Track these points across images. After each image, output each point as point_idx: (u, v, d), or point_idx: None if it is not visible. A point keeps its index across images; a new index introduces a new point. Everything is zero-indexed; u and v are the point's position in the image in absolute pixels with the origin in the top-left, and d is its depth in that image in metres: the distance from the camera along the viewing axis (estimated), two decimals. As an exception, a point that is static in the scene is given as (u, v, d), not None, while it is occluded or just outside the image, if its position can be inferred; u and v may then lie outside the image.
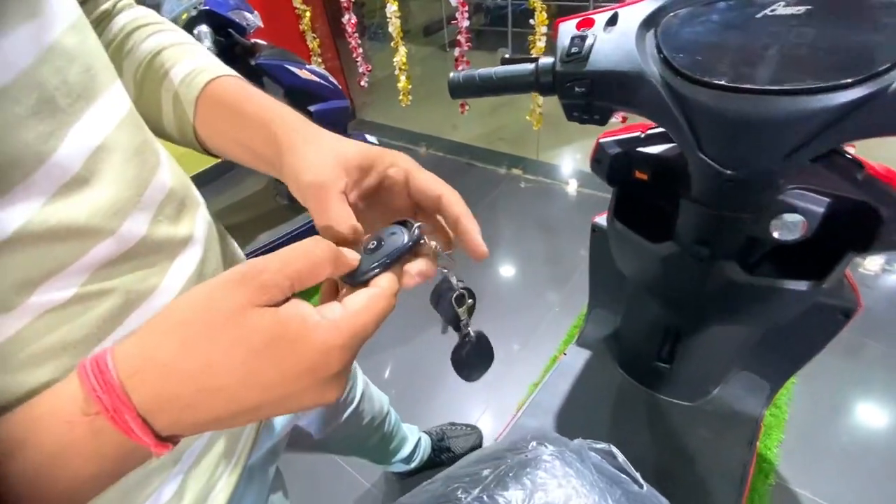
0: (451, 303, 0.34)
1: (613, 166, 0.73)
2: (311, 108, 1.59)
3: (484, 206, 2.13)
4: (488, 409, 1.37)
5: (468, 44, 2.10)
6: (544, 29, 1.84)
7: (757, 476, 1.11)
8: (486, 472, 0.48)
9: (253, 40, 1.58)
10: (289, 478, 0.61)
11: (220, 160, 0.65)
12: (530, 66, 0.58)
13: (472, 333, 0.36)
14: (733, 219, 0.58)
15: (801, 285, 0.60)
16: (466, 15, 2.03)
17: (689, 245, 0.64)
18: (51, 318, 0.26)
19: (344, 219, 0.29)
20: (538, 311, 1.62)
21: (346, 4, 2.37)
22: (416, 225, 0.30)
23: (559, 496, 0.43)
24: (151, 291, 0.31)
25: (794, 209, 0.55)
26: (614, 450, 0.52)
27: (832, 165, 0.56)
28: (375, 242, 0.29)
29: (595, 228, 0.91)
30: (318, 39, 2.69)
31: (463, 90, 0.63)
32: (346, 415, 0.70)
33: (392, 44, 2.30)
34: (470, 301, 0.35)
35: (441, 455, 1.22)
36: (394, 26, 2.24)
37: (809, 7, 0.47)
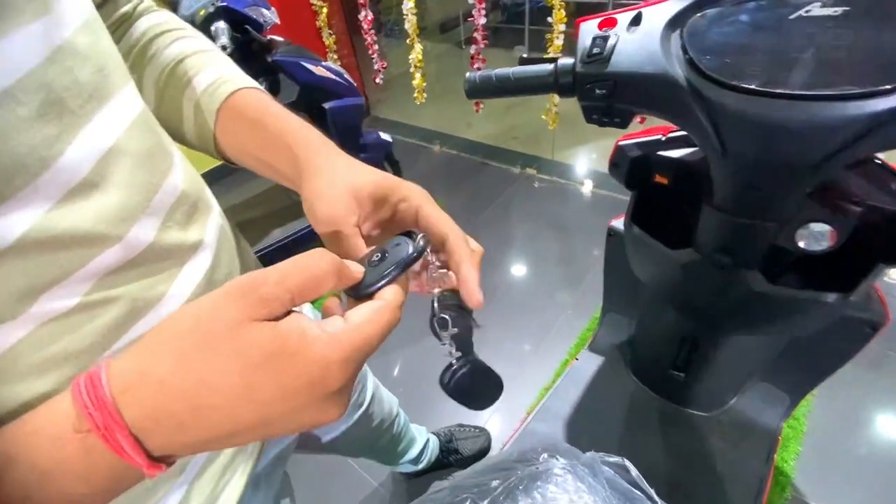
0: (433, 325, 0.32)
1: (632, 170, 0.71)
2: (326, 106, 1.59)
3: (497, 205, 2.11)
4: (498, 411, 1.35)
5: (484, 41, 2.08)
6: (562, 27, 1.81)
7: (773, 489, 1.08)
8: (495, 484, 0.47)
9: (269, 37, 1.58)
10: (296, 475, 0.61)
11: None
12: (549, 67, 0.57)
13: (455, 363, 0.33)
14: (757, 227, 0.56)
15: (828, 297, 0.58)
16: (483, 12, 2.01)
17: (709, 253, 0.62)
18: (53, 327, 0.25)
19: (356, 253, 0.30)
20: (550, 313, 1.60)
21: (362, 1, 2.37)
22: (419, 236, 0.29)
23: (571, 513, 0.41)
24: (159, 299, 0.30)
25: (822, 218, 0.53)
26: (627, 463, 0.51)
27: (865, 173, 0.54)
28: (379, 255, 0.28)
29: (611, 232, 0.89)
30: (334, 36, 2.69)
31: (479, 91, 0.61)
32: (355, 418, 0.70)
33: (408, 41, 2.29)
34: (454, 329, 0.32)
35: (449, 456, 1.21)
36: (410, 23, 2.23)
37: (847, 8, 0.44)
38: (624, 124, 0.58)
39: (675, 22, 0.51)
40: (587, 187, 2.15)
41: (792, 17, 0.46)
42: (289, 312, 0.23)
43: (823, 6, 0.45)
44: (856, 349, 0.74)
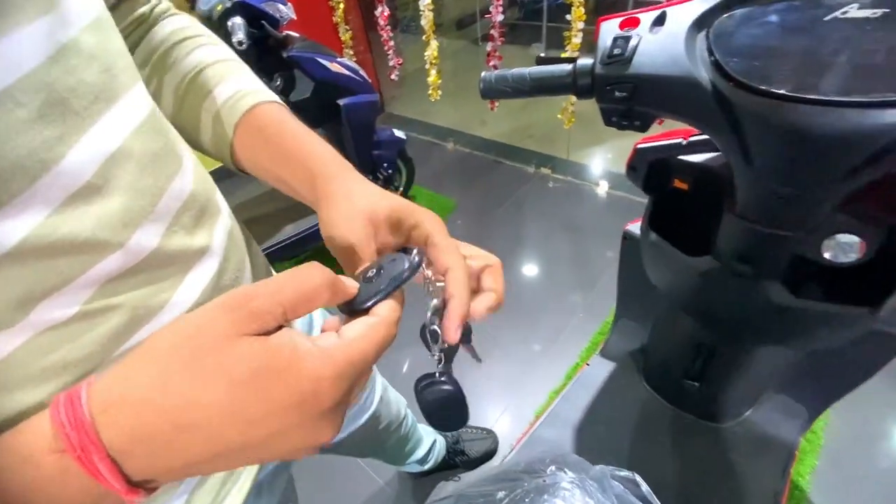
0: (423, 335, 0.31)
1: (651, 174, 0.69)
2: (341, 102, 1.59)
3: (510, 204, 2.09)
4: (506, 413, 1.34)
5: (501, 38, 2.06)
6: (581, 24, 1.78)
7: (788, 504, 1.05)
8: (500, 495, 0.47)
9: (286, 32, 1.58)
10: (302, 473, 0.60)
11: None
12: (567, 68, 0.55)
13: (437, 378, 0.32)
14: (781, 237, 0.53)
15: (855, 311, 0.55)
16: (501, 9, 1.99)
17: (729, 261, 0.60)
18: (52, 335, 0.24)
19: None
20: (562, 315, 1.58)
21: (379, -3, 2.36)
22: (415, 251, 0.29)
23: (579, 531, 0.40)
24: (162, 307, 0.29)
25: (851, 229, 0.51)
26: (638, 478, 0.49)
27: None
28: (375, 270, 0.28)
29: (627, 236, 0.87)
30: (350, 32, 2.69)
31: (494, 91, 0.60)
32: (363, 420, 0.69)
33: (424, 37, 2.27)
34: (446, 345, 0.31)
35: (455, 458, 1.21)
36: (426, 19, 2.21)
37: (887, 10, 0.42)
38: (644, 128, 0.56)
39: (702, 22, 0.49)
40: (602, 188, 2.12)
41: (827, 18, 0.44)
42: (280, 327, 0.22)
43: (861, 7, 0.43)
44: (882, 363, 0.71)
